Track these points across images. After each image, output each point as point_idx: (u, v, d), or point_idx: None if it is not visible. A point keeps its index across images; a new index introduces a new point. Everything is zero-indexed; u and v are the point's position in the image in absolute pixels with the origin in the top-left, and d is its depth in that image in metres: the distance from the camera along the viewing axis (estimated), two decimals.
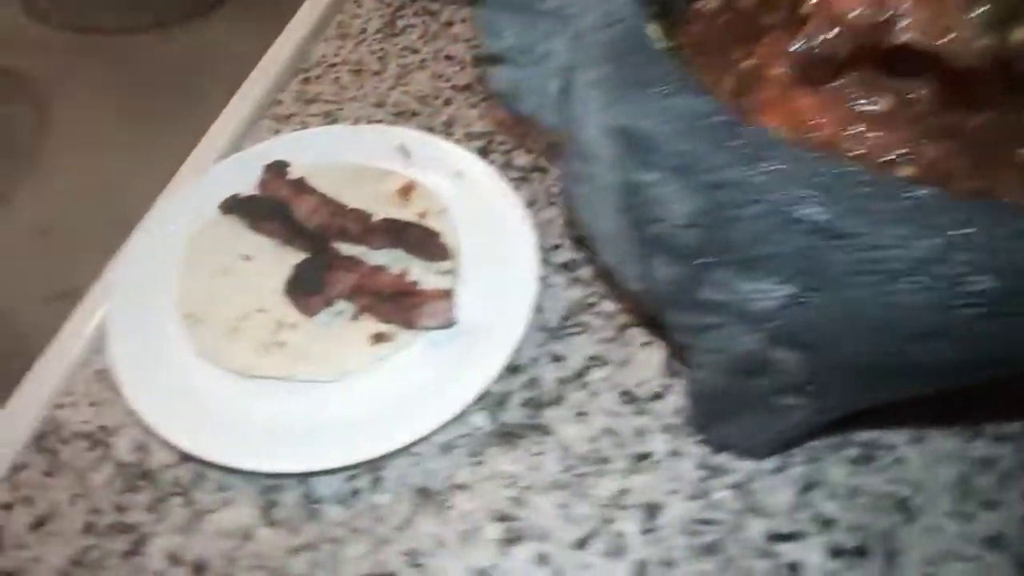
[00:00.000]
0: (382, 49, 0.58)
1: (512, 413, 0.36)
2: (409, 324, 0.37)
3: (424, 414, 0.34)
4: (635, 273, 0.28)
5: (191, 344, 0.37)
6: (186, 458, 0.35)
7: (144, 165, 0.53)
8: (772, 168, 0.20)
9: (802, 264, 0.20)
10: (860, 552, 0.32)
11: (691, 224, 0.22)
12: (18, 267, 0.47)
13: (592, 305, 0.41)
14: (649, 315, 0.40)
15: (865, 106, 0.27)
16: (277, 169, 0.42)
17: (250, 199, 0.42)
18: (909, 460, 0.34)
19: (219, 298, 0.39)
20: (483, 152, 0.48)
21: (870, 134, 0.27)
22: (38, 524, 0.33)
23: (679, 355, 0.38)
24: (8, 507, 0.34)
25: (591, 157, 0.25)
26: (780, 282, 0.22)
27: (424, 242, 0.39)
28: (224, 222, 0.43)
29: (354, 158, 0.46)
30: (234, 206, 0.42)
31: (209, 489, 0.34)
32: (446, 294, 0.36)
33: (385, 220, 0.40)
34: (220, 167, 0.45)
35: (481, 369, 0.35)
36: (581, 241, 0.44)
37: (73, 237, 0.49)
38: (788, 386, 0.27)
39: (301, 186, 0.41)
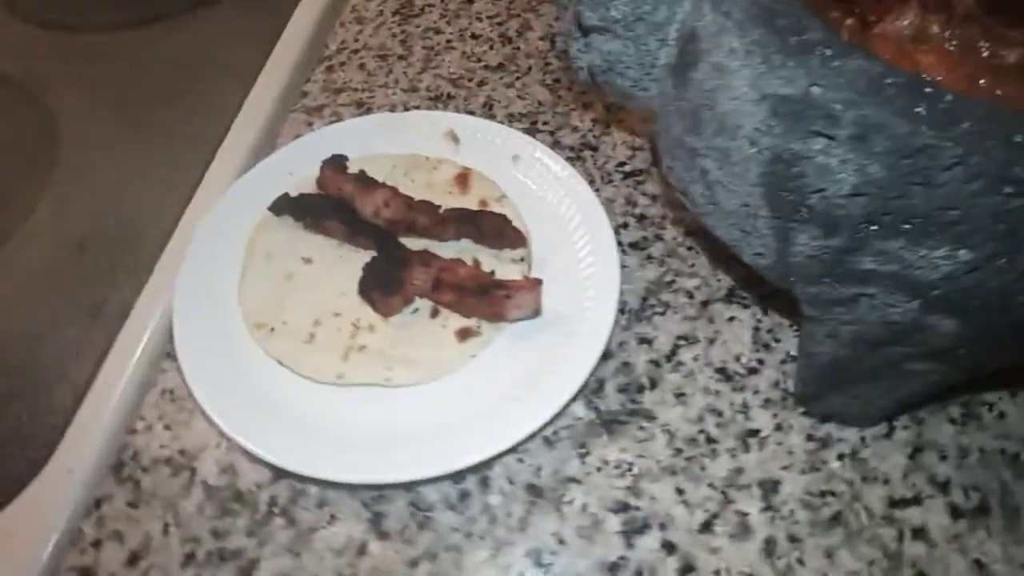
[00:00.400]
0: (404, 31, 0.55)
1: (610, 400, 0.35)
2: (499, 317, 0.35)
3: (527, 409, 0.33)
4: (763, 248, 0.27)
5: (269, 355, 0.35)
6: (279, 475, 0.33)
7: (165, 167, 0.50)
8: (970, 129, 0.19)
9: (999, 228, 0.19)
10: (981, 511, 0.32)
11: (857, 193, 0.21)
12: (50, 282, 0.44)
13: (670, 283, 0.40)
14: (732, 289, 0.39)
15: (992, 60, 0.26)
16: (336, 164, 0.39)
17: (304, 198, 0.40)
18: (1010, 415, 0.34)
19: (288, 305, 0.37)
20: (528, 134, 0.46)
21: (999, 89, 0.26)
22: (134, 559, 0.31)
23: (798, 326, 0.37)
24: (98, 544, 0.32)
25: (729, 129, 0.24)
26: (958, 248, 0.21)
27: (499, 230, 0.37)
28: (276, 224, 0.40)
29: (402, 147, 0.44)
30: (286, 206, 0.40)
31: (310, 506, 0.32)
32: (534, 283, 0.35)
33: (455, 210, 0.38)
34: (261, 166, 0.43)
35: (578, 358, 0.34)
36: (645, 218, 0.42)
37: (103, 249, 0.45)
38: (929, 352, 0.26)
39: (366, 180, 0.38)
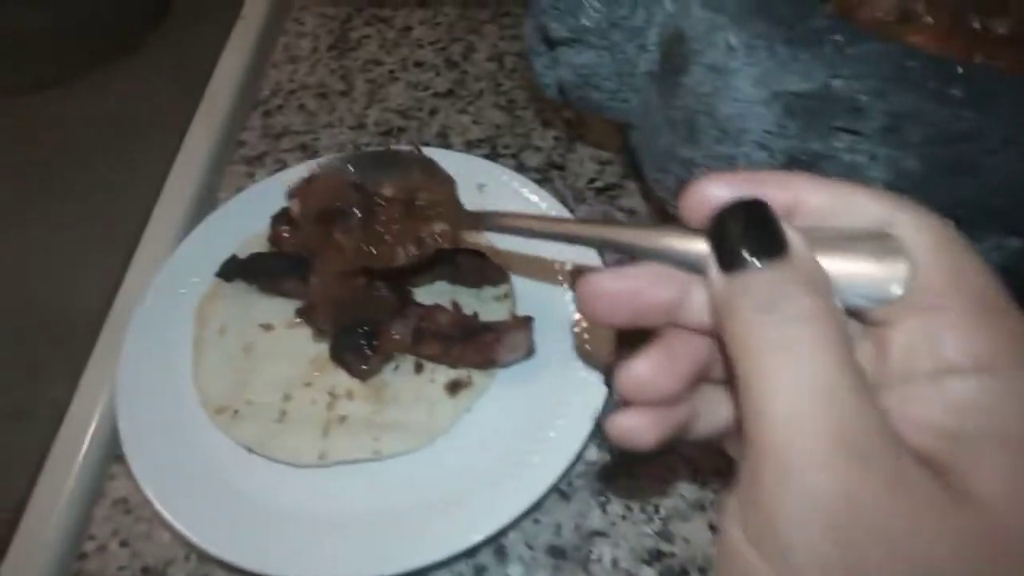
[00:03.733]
0: (342, 67, 0.52)
1: None
2: (490, 363, 0.32)
3: (538, 462, 0.29)
4: None
5: (236, 442, 0.31)
6: None
7: (90, 238, 0.45)
8: (1012, 104, 0.17)
9: None
10: None
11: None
12: None
13: None
14: None
15: (984, 34, 0.25)
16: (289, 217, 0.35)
17: (256, 258, 0.36)
18: None
19: (250, 382, 0.33)
20: (490, 159, 0.43)
21: (995, 60, 0.25)
22: None
23: None
24: None
25: (733, 135, 0.22)
26: (1008, 237, 0.19)
27: (479, 267, 0.34)
28: (227, 291, 0.36)
29: None
30: (237, 270, 0.36)
31: None
32: (524, 321, 0.32)
33: None
34: (202, 228, 0.39)
35: (583, 395, 0.31)
36: None
37: (25, 340, 0.40)
38: None
39: None
